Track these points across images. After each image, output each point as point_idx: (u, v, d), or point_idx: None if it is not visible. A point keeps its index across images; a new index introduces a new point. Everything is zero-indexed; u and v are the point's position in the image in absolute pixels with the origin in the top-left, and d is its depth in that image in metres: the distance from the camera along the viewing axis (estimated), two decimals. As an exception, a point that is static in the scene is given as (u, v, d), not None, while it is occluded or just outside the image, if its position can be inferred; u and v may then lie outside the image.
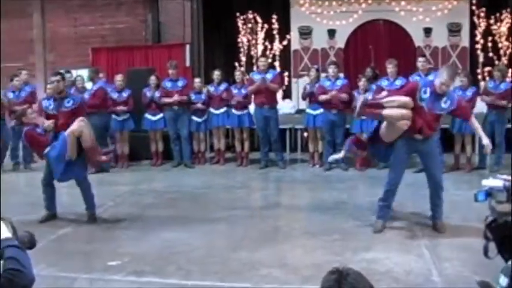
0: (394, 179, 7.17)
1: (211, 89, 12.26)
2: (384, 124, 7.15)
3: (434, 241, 6.67)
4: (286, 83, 14.94)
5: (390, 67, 10.94)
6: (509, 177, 2.46)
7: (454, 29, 14.06)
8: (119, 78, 12.27)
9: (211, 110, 12.19)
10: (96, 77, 12.51)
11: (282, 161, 11.95)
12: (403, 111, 6.79)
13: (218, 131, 12.36)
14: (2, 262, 2.48)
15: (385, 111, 6.82)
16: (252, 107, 12.18)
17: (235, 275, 5.79)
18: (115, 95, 12.17)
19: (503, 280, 2.08)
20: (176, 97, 11.90)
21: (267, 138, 11.85)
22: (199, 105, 12.15)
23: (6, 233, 2.61)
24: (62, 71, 9.47)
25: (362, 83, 11.13)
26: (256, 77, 11.76)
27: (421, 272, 5.67)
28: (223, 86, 12.20)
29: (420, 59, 11.10)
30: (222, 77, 12.36)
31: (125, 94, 12.19)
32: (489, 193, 2.48)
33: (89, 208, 8.20)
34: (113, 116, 12.11)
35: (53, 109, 8.06)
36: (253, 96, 11.94)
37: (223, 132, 12.44)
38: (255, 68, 13.14)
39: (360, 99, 7.56)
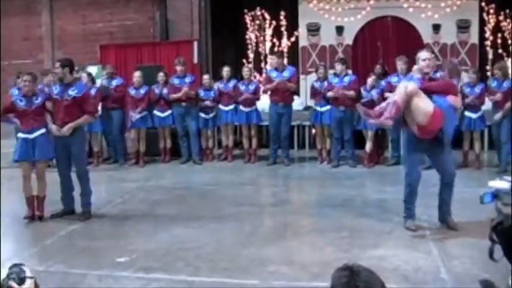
0: (408, 175, 7.10)
1: (221, 85, 12.27)
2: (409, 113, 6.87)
3: (443, 239, 6.64)
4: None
5: (400, 64, 10.88)
6: None
7: (463, 26, 14.02)
8: (137, 74, 12.31)
9: (221, 106, 12.21)
10: (115, 73, 12.71)
11: (288, 158, 11.92)
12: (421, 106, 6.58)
13: (226, 128, 12.37)
14: None
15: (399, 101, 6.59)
16: (259, 104, 12.18)
17: (244, 271, 5.79)
18: (132, 92, 12.22)
19: None
20: (185, 88, 11.91)
21: (278, 135, 11.85)
22: (207, 103, 12.17)
23: None
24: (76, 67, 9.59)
25: (370, 80, 11.11)
26: (273, 74, 11.78)
27: (430, 269, 5.66)
28: (232, 83, 12.20)
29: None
30: (232, 74, 12.35)
31: (142, 91, 12.22)
32: (495, 195, 2.45)
33: (84, 205, 8.15)
34: (130, 113, 12.16)
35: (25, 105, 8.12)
36: (268, 92, 11.95)
37: (231, 129, 12.43)
38: (268, 65, 13.14)
39: (359, 108, 7.71)
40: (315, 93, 11.80)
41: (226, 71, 12.30)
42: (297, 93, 14.60)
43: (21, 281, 2.51)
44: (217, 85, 12.39)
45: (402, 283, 5.25)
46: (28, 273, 2.58)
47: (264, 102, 12.23)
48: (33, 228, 7.72)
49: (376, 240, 6.65)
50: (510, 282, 2.09)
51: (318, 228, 7.29)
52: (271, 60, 12.17)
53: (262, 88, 12.11)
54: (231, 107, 12.20)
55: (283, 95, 11.69)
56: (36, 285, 2.65)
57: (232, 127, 12.49)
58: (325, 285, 2.42)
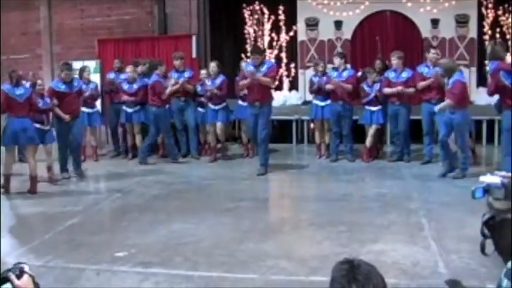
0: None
1: (208, 82, 11.92)
2: None
3: (442, 233, 6.65)
4: (292, 74, 14.95)
5: (393, 59, 10.92)
6: (508, 174, 2.43)
7: (461, 20, 14.00)
8: (130, 69, 12.28)
9: (210, 105, 12.03)
10: (123, 67, 12.80)
11: (265, 166, 10.52)
12: None
13: (212, 126, 12.11)
14: None
15: None
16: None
17: (242, 266, 5.79)
18: (126, 86, 12.20)
19: (507, 283, 2.07)
20: (182, 79, 11.86)
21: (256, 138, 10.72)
22: (203, 99, 12.09)
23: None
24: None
25: (371, 76, 11.07)
26: (249, 68, 10.56)
27: (428, 264, 5.66)
28: (219, 79, 11.89)
29: (432, 50, 10.99)
30: (220, 70, 12.05)
31: (135, 85, 12.20)
32: (487, 190, 2.46)
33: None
34: (123, 108, 12.13)
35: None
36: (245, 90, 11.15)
37: (221, 128, 12.18)
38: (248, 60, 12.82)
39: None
40: (315, 89, 11.72)
41: (212, 66, 11.95)
42: (295, 87, 14.62)
43: (20, 274, 2.54)
44: (205, 82, 12.03)
45: (401, 277, 5.26)
46: (27, 270, 2.60)
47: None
48: (31, 223, 7.72)
49: (375, 235, 6.65)
50: (502, 276, 2.09)
51: (317, 223, 7.29)
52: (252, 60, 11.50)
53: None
54: (221, 106, 11.92)
55: (260, 93, 10.31)
56: (35, 284, 2.66)
57: (221, 126, 12.10)
58: (324, 279, 2.43)
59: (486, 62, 13.67)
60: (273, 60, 12.22)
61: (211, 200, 8.71)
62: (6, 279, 2.51)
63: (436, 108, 9.69)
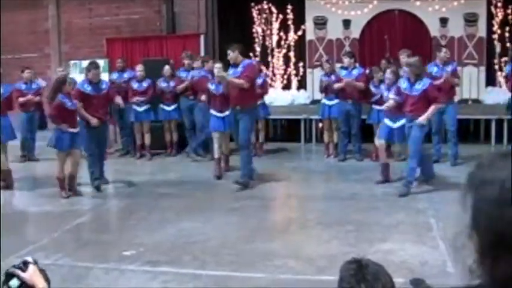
0: None
1: (212, 87, 10.75)
2: None
3: (450, 233, 6.62)
4: (301, 73, 14.93)
5: (402, 57, 10.83)
6: None
7: (470, 19, 13.92)
8: (139, 68, 12.30)
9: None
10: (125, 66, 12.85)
11: (249, 177, 9.62)
12: None
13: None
14: None
15: None
16: (267, 97, 12.04)
17: (250, 265, 5.80)
18: (135, 85, 12.20)
19: None
20: (189, 77, 11.84)
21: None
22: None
23: (43, 283, 2.68)
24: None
25: (377, 75, 11.02)
26: (230, 71, 9.83)
27: (436, 263, 5.65)
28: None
29: (443, 49, 10.91)
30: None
31: (145, 84, 12.21)
32: None
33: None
34: (133, 107, 12.14)
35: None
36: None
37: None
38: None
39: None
40: (324, 88, 11.68)
41: (217, 67, 10.17)
42: (304, 86, 14.58)
43: (24, 265, 2.57)
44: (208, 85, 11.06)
45: (409, 277, 5.23)
46: (30, 260, 2.63)
47: (271, 96, 12.14)
48: (40, 222, 7.75)
49: (383, 234, 6.64)
50: None
51: (324, 222, 7.28)
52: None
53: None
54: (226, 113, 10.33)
55: (238, 97, 9.47)
56: (47, 278, 2.68)
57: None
58: (332, 279, 2.42)
59: (495, 61, 13.66)
60: (253, 60, 11.08)
61: (219, 199, 8.72)
62: (12, 275, 2.52)
63: (421, 119, 8.45)
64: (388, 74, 10.06)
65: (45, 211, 8.25)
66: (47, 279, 2.67)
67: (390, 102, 8.99)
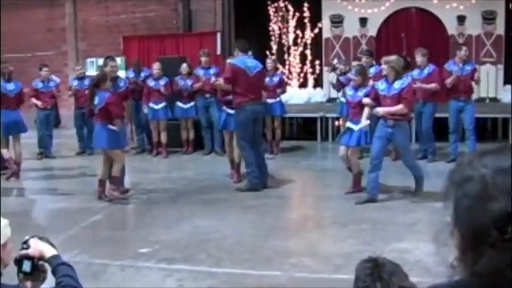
0: None
1: None
2: None
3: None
4: (317, 71, 14.90)
5: (417, 56, 10.76)
6: None
7: (488, 17, 13.81)
8: (156, 66, 12.33)
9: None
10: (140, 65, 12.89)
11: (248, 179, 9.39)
12: None
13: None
14: (56, 279, 2.63)
15: None
16: (284, 95, 12.02)
17: (266, 263, 5.80)
18: (151, 83, 12.23)
19: None
20: (219, 80, 11.83)
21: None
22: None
23: (53, 251, 2.74)
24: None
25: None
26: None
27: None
28: None
29: (463, 48, 10.79)
30: None
31: (161, 82, 12.23)
32: None
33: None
34: (150, 105, 12.16)
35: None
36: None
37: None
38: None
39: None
40: (340, 87, 11.60)
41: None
42: (320, 84, 14.53)
43: (25, 244, 2.65)
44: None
45: (424, 276, 5.21)
46: (27, 237, 2.74)
47: (288, 94, 12.11)
48: (57, 219, 7.79)
49: (399, 233, 6.61)
50: None
51: (340, 221, 7.26)
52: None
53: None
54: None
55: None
56: (51, 243, 2.76)
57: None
58: (348, 277, 2.41)
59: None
60: (229, 60, 10.80)
61: (235, 196, 8.71)
62: (20, 260, 2.62)
63: (377, 111, 7.98)
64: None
65: (61, 208, 8.29)
66: (52, 245, 2.75)
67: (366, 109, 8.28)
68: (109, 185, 8.60)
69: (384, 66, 8.38)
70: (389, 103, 7.83)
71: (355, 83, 8.54)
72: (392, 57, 8.34)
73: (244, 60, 8.95)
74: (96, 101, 8.34)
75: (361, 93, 8.22)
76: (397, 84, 7.78)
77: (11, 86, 10.27)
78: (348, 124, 8.61)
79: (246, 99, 8.82)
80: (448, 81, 10.32)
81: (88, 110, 8.97)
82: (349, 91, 8.35)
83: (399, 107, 7.69)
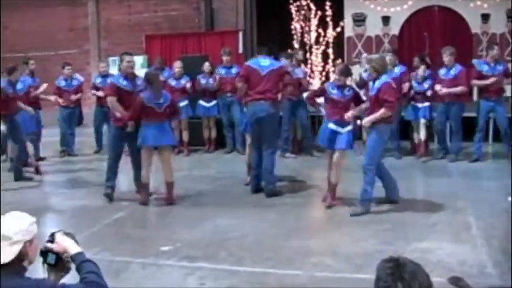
0: None
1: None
2: None
3: (489, 232, 6.53)
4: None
5: (445, 56, 10.62)
6: None
7: (513, 15, 13.69)
8: (177, 65, 12.36)
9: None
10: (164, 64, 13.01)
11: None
12: None
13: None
14: (81, 275, 2.73)
15: None
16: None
17: (287, 262, 5.79)
18: (173, 82, 12.27)
19: None
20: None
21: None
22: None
23: (78, 248, 2.80)
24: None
25: (421, 71, 10.86)
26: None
27: (475, 263, 5.57)
28: None
29: (495, 47, 10.60)
30: None
31: (183, 81, 12.26)
32: None
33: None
34: None
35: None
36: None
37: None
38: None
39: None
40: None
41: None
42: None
43: (51, 237, 2.80)
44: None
45: (446, 276, 5.17)
46: (55, 231, 2.86)
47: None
48: (79, 216, 7.84)
49: (420, 233, 6.57)
50: None
51: (361, 220, 7.23)
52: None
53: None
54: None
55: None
56: (76, 240, 2.84)
57: None
58: (369, 277, 2.41)
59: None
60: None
61: (256, 195, 8.70)
62: (46, 252, 2.75)
63: (364, 122, 7.62)
64: (421, 72, 10.00)
65: (84, 205, 8.35)
66: (76, 242, 2.82)
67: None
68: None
69: (366, 66, 8.15)
70: (372, 103, 7.58)
71: (338, 82, 8.14)
72: (375, 56, 8.35)
73: (258, 60, 8.94)
74: (161, 100, 8.16)
75: (348, 92, 8.05)
76: (377, 84, 7.48)
77: (19, 86, 10.34)
78: (331, 126, 7.96)
79: (249, 99, 8.79)
80: (487, 82, 10.19)
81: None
82: (332, 90, 8.12)
83: (382, 112, 7.34)
